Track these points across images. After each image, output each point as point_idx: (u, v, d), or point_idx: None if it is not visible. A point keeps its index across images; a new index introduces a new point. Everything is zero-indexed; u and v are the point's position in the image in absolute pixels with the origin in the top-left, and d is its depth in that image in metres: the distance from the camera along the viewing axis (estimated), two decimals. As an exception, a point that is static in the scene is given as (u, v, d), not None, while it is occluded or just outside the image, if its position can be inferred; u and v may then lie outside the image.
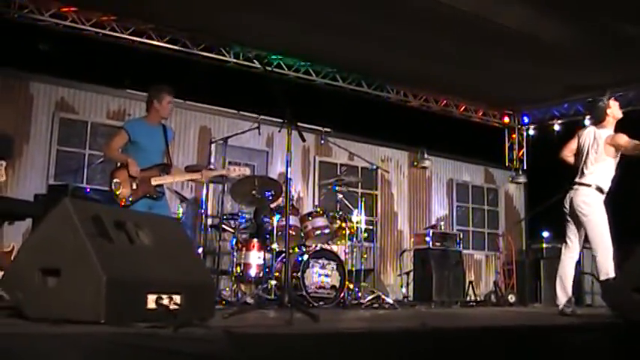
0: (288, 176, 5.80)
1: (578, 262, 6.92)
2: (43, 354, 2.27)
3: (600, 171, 6.57)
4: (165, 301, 3.58)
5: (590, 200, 6.52)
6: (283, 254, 7.87)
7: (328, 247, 8.27)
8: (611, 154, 6.56)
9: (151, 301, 3.54)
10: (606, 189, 6.57)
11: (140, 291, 3.53)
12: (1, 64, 9.08)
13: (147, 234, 3.85)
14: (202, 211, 8.28)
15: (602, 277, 6.37)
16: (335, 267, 8.05)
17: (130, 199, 6.23)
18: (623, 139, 6.50)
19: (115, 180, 6.26)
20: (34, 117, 9.23)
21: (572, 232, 6.70)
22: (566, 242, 6.77)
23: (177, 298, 3.66)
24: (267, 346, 2.81)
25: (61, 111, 9.43)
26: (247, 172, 7.01)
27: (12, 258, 6.92)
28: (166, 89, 6.61)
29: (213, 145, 9.36)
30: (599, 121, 6.72)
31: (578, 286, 6.83)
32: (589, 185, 6.55)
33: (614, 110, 6.69)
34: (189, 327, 3.02)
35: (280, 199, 8.31)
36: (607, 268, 6.33)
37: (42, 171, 9.17)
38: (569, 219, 6.71)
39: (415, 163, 13.06)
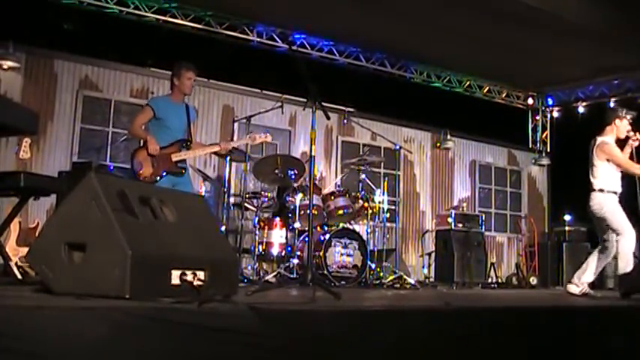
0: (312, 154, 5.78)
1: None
2: (70, 327, 2.28)
3: (601, 174, 6.80)
4: (189, 277, 3.58)
5: (597, 201, 6.78)
6: (305, 233, 7.89)
7: (350, 227, 8.27)
8: (602, 158, 6.81)
9: (175, 276, 3.55)
10: (614, 189, 6.80)
11: (164, 267, 3.53)
12: (25, 43, 9.13)
13: (171, 210, 3.85)
14: (225, 189, 8.29)
15: (621, 265, 6.62)
16: (357, 246, 8.05)
17: (153, 177, 6.27)
18: (614, 151, 6.79)
19: (136, 161, 6.31)
20: (58, 95, 9.28)
21: (599, 235, 6.95)
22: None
23: (201, 275, 3.66)
24: (292, 321, 2.82)
25: (84, 89, 9.48)
26: (269, 138, 7.03)
27: (37, 234, 7.01)
28: (185, 65, 6.62)
29: (236, 124, 9.38)
30: (603, 124, 6.95)
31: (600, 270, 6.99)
32: (595, 190, 6.81)
33: (622, 126, 6.87)
34: (213, 302, 3.03)
35: (303, 178, 8.30)
36: (627, 256, 6.58)
37: (66, 148, 9.24)
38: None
39: (438, 144, 13.00)
